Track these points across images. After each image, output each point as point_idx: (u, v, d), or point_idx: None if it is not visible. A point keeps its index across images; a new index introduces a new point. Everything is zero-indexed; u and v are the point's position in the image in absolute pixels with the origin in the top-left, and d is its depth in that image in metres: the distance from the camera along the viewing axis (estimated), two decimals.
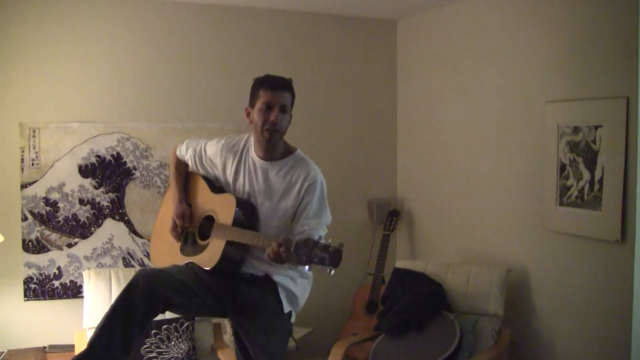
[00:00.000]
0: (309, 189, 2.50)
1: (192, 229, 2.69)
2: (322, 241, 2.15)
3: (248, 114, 2.57)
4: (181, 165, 2.80)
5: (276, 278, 2.54)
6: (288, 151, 2.59)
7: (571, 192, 3.07)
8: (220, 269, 2.48)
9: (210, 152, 2.69)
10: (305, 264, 2.17)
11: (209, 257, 2.52)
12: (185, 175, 2.80)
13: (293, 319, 2.64)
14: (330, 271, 2.13)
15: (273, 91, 2.47)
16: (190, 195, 2.76)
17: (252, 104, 2.55)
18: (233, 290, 2.50)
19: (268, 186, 2.54)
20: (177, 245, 2.69)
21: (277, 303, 2.53)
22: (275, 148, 2.55)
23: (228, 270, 2.52)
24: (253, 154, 2.59)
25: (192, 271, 2.50)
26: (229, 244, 2.46)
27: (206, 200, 2.67)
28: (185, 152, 2.77)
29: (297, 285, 2.60)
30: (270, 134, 2.48)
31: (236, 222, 2.47)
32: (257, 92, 2.51)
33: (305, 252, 2.15)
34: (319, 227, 2.49)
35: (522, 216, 3.42)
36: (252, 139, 2.62)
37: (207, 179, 2.73)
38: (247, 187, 2.57)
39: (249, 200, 2.55)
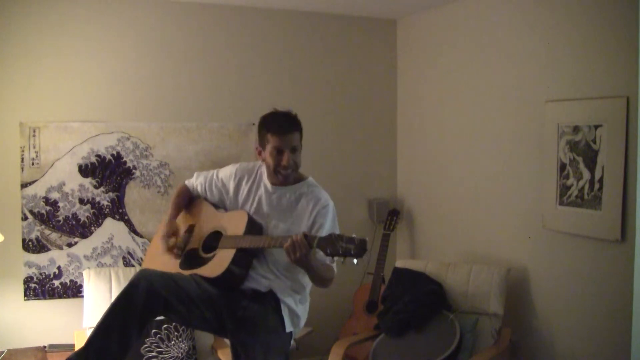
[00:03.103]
0: (321, 212, 2.53)
1: (195, 245, 2.68)
2: (346, 235, 2.20)
3: (259, 153, 2.61)
4: (184, 193, 2.85)
5: (280, 296, 2.53)
6: (300, 177, 2.63)
7: (571, 192, 3.07)
8: (224, 282, 2.46)
9: (223, 175, 2.74)
10: (330, 256, 2.20)
11: (215, 266, 2.50)
12: (184, 202, 2.83)
13: (292, 341, 2.62)
14: (354, 261, 2.18)
15: (281, 136, 2.49)
16: (194, 216, 2.79)
17: (261, 144, 2.58)
18: (234, 304, 2.46)
19: (281, 209, 2.57)
20: (176, 262, 2.66)
21: (278, 321, 2.51)
22: (288, 180, 2.59)
23: (231, 284, 2.50)
24: (266, 181, 2.63)
25: (194, 281, 2.46)
26: (239, 251, 2.46)
27: (213, 218, 2.69)
28: (196, 180, 2.84)
29: (298, 307, 2.59)
30: (284, 176, 2.54)
31: (248, 233, 2.49)
32: (266, 136, 2.53)
33: (329, 245, 2.20)
34: None
35: (522, 216, 3.42)
36: (264, 167, 2.65)
37: (211, 202, 2.78)
38: (255, 211, 2.60)
39: (258, 221, 2.58)
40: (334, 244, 2.19)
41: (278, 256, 2.50)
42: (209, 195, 2.79)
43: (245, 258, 2.49)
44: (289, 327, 2.54)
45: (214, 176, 2.77)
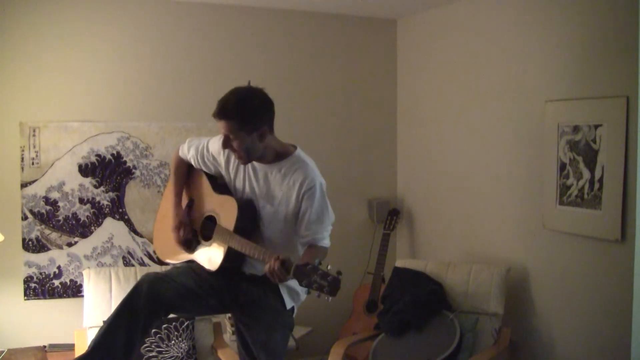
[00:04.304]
0: (307, 194, 2.45)
1: (194, 225, 2.69)
2: (322, 267, 2.15)
3: None
4: (182, 165, 2.77)
5: None
6: (285, 153, 2.52)
7: (571, 192, 3.07)
8: (222, 272, 2.50)
9: (213, 149, 2.66)
10: (304, 287, 2.18)
11: (211, 259, 2.53)
12: (184, 176, 2.78)
13: (295, 313, 2.66)
14: (328, 298, 2.14)
15: (218, 121, 2.39)
16: (193, 192, 2.76)
17: None
18: (235, 289, 2.52)
19: (268, 189, 2.52)
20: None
21: (278, 301, 2.55)
22: (260, 160, 2.50)
23: (230, 270, 2.53)
24: None
25: (193, 272, 2.52)
26: (230, 249, 2.46)
27: (208, 200, 2.67)
28: (188, 151, 2.74)
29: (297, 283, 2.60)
30: (240, 161, 2.48)
31: (238, 227, 2.48)
32: None
33: (304, 277, 2.16)
34: (323, 230, 2.50)
35: (522, 215, 3.43)
36: None
37: (209, 176, 2.72)
38: (247, 189, 2.56)
39: (251, 202, 2.54)
40: (309, 277, 2.14)
41: (272, 240, 2.50)
42: (203, 168, 2.72)
43: (237, 253, 2.47)
44: (289, 304, 2.57)
45: (205, 150, 2.68)
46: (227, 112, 2.36)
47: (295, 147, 2.57)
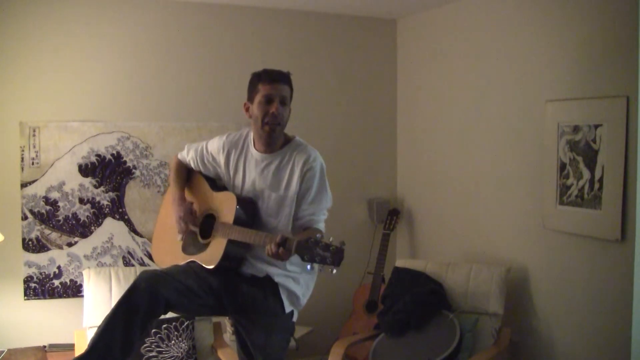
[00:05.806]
0: (308, 174, 2.51)
1: (193, 227, 2.69)
2: (324, 240, 2.16)
3: (247, 109, 2.57)
4: (181, 168, 2.81)
5: (277, 279, 2.54)
6: (287, 140, 2.60)
7: (571, 191, 3.07)
8: (222, 268, 2.49)
9: (212, 149, 2.70)
10: (307, 262, 2.17)
11: (210, 256, 2.53)
12: (185, 177, 2.81)
13: (295, 318, 2.65)
14: (332, 270, 2.14)
15: (272, 84, 2.49)
16: (192, 194, 2.77)
17: (250, 98, 2.56)
18: (234, 290, 2.51)
19: (272, 179, 2.54)
20: (179, 244, 2.70)
21: (278, 304, 2.54)
22: (276, 141, 2.56)
23: (230, 269, 2.53)
24: (253, 150, 2.59)
25: (193, 271, 2.51)
26: (231, 242, 2.46)
27: (207, 199, 2.68)
28: (187, 155, 2.79)
29: (300, 284, 2.59)
30: (272, 127, 2.49)
31: (238, 220, 2.48)
32: (256, 86, 2.52)
33: (306, 251, 2.16)
34: (320, 212, 2.53)
35: (522, 215, 3.43)
36: (251, 135, 2.62)
37: (208, 177, 2.74)
38: (247, 184, 2.58)
39: (250, 196, 2.56)
40: (311, 251, 2.15)
41: (280, 229, 2.50)
42: (203, 170, 2.75)
43: (238, 247, 2.49)
44: (288, 308, 2.57)
45: (204, 151, 2.73)
46: (286, 77, 2.54)
47: (294, 136, 2.65)
